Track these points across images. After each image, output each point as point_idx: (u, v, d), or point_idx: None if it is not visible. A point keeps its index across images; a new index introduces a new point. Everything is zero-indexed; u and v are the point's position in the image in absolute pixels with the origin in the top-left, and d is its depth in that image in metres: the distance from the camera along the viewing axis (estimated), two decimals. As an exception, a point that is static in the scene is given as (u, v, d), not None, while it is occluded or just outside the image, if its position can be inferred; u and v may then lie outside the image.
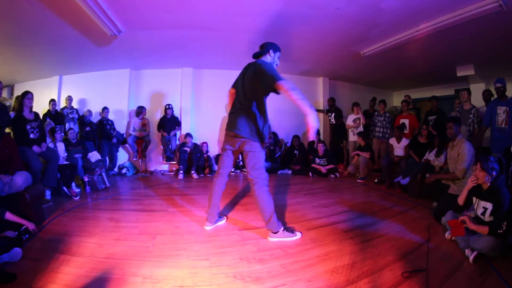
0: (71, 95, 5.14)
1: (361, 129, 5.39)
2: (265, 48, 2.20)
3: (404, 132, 4.69)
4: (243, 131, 2.07)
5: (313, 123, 1.72)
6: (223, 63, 5.50)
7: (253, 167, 2.10)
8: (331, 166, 5.00)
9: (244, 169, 5.36)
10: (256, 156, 2.11)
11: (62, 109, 5.01)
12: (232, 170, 5.31)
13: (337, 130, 5.99)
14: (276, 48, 2.23)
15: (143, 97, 5.81)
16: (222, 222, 2.50)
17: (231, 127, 2.16)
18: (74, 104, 5.28)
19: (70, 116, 4.94)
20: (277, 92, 1.95)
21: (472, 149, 2.78)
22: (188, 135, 5.15)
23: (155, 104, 5.74)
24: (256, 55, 2.23)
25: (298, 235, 2.18)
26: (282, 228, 2.15)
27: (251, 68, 2.17)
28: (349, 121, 5.64)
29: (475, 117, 3.96)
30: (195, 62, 5.50)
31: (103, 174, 3.91)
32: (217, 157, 5.64)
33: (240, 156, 5.39)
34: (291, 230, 2.20)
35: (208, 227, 2.35)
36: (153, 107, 5.71)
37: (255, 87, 2.08)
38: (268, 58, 2.19)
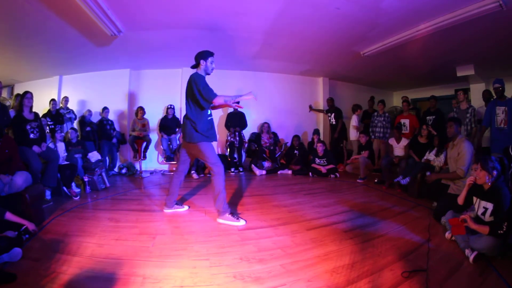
0: (68, 96, 5.11)
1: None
2: (196, 61, 2.40)
3: (404, 132, 4.69)
4: None
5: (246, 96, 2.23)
6: (223, 63, 5.45)
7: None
8: (331, 166, 5.00)
9: (241, 169, 5.39)
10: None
11: (59, 109, 5.00)
12: (232, 170, 5.31)
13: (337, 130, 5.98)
14: (205, 56, 2.41)
15: (143, 97, 5.81)
16: (182, 209, 2.81)
17: None
18: (75, 104, 5.28)
19: (67, 116, 4.94)
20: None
21: (471, 148, 2.79)
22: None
23: (155, 104, 5.73)
24: (193, 67, 2.49)
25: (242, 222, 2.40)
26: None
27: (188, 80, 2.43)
28: (355, 122, 5.67)
29: (472, 116, 3.99)
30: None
31: (103, 174, 3.92)
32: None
33: (243, 155, 5.44)
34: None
35: (167, 210, 2.75)
36: (153, 107, 5.70)
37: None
38: (201, 68, 2.44)
